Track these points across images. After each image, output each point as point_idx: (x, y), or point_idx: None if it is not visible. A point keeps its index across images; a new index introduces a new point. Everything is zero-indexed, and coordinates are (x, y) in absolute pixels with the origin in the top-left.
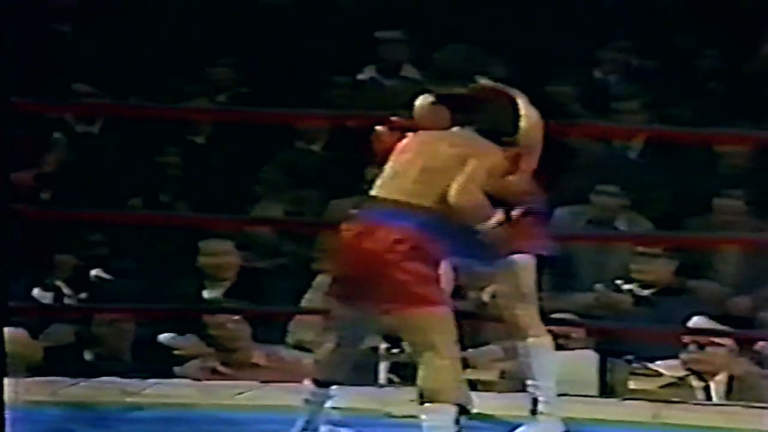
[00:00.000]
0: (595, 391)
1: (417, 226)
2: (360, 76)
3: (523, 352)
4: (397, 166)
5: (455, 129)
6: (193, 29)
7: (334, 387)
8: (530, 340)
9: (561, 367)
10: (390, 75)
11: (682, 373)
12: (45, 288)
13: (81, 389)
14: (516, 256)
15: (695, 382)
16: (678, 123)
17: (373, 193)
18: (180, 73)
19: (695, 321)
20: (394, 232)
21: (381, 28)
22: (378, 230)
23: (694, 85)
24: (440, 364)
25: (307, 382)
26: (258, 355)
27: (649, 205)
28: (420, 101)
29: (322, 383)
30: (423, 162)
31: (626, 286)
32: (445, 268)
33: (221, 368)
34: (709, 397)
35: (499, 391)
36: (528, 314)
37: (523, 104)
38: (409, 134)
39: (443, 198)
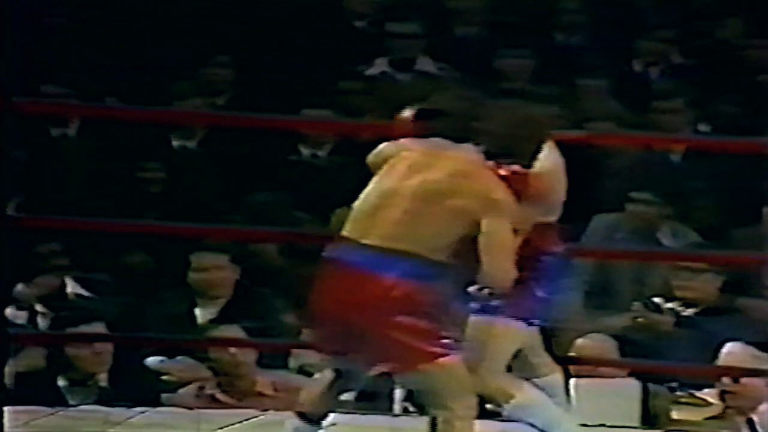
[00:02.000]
0: (636, 422)
1: (408, 275)
2: (370, 71)
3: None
4: (378, 198)
5: (450, 150)
6: (185, 22)
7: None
8: (540, 379)
9: (601, 397)
10: (403, 69)
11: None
12: (18, 307)
13: (59, 419)
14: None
15: (737, 417)
16: (725, 121)
17: (351, 229)
18: (171, 72)
19: (729, 348)
20: (383, 283)
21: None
22: (364, 279)
23: (741, 79)
24: (459, 426)
25: (291, 418)
26: (263, 382)
27: (693, 214)
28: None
29: (311, 419)
30: (409, 198)
31: (667, 305)
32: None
33: (221, 396)
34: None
35: None
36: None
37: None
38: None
39: (436, 244)
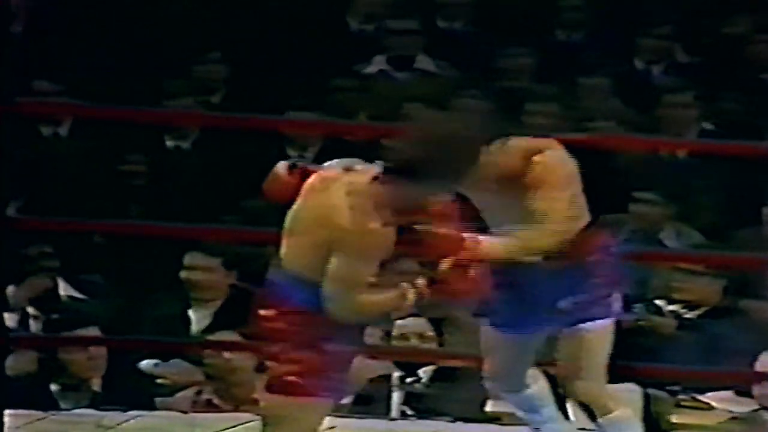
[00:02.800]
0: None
1: (305, 302)
2: (368, 69)
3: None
4: (288, 222)
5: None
6: (178, 19)
7: None
8: (602, 419)
9: None
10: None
11: (747, 408)
12: (8, 308)
13: (51, 423)
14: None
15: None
16: (729, 119)
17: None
18: (164, 70)
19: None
20: (281, 308)
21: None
22: (271, 302)
23: (745, 76)
24: None
25: None
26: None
27: (697, 214)
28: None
29: None
30: (300, 223)
31: (669, 308)
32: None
33: (218, 401)
34: None
35: None
36: (591, 390)
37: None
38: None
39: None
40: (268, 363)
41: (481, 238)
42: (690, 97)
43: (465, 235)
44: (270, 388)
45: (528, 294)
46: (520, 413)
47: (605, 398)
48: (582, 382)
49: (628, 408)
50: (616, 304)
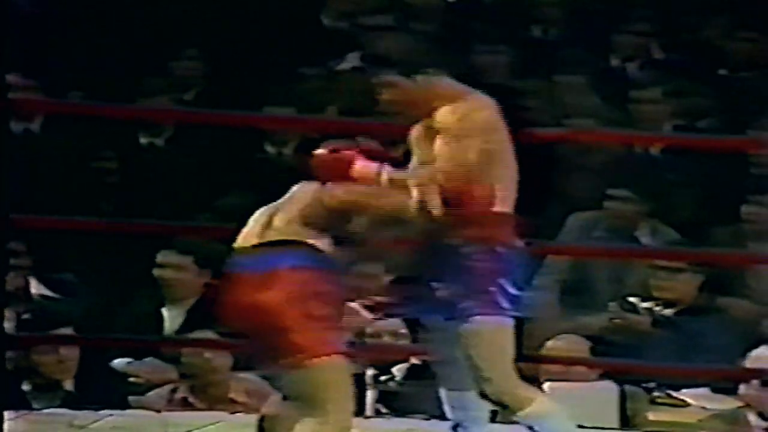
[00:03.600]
0: (614, 424)
1: (297, 264)
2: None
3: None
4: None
5: None
6: (153, 15)
7: None
8: (519, 416)
9: (578, 399)
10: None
11: (723, 405)
12: None
13: (23, 423)
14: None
15: (756, 420)
16: (704, 117)
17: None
18: (139, 66)
19: (761, 351)
20: (273, 275)
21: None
22: (255, 279)
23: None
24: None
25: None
26: (236, 387)
27: (672, 211)
28: None
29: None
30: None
31: (644, 305)
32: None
33: (193, 400)
34: None
35: None
36: (496, 389)
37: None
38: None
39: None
40: (282, 337)
41: (364, 163)
42: (663, 93)
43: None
44: (299, 359)
45: (423, 274)
46: (449, 411)
47: (515, 395)
48: (482, 380)
49: (545, 399)
50: (504, 301)
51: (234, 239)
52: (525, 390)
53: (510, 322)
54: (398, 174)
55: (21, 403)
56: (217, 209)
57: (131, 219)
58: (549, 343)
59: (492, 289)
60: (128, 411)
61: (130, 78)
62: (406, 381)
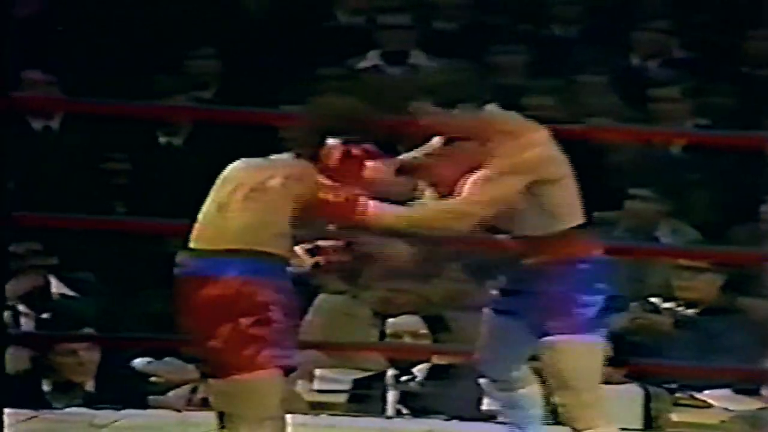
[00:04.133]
0: (639, 425)
1: (247, 273)
2: (362, 64)
3: None
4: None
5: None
6: (170, 14)
7: None
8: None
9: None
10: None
11: (750, 406)
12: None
13: (43, 422)
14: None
15: None
16: (724, 115)
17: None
18: (157, 65)
19: None
20: (219, 283)
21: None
22: (203, 283)
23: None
24: None
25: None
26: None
27: (692, 210)
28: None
29: None
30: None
31: (665, 305)
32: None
33: None
34: None
35: None
36: (573, 405)
37: None
38: None
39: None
40: (212, 346)
41: (374, 204)
42: (683, 92)
43: (361, 200)
44: (223, 371)
45: (513, 285)
46: (504, 412)
47: (586, 415)
48: (557, 394)
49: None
50: (585, 318)
51: None
52: (597, 414)
53: (594, 339)
54: (395, 214)
55: (41, 403)
56: None
57: (150, 217)
58: None
59: (573, 307)
60: (148, 411)
61: (146, 76)
62: (428, 381)
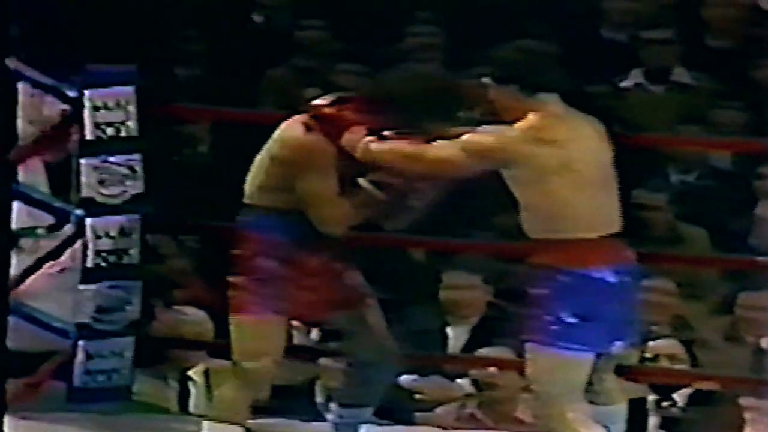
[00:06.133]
0: None
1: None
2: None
3: None
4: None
5: None
6: None
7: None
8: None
9: None
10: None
11: None
12: None
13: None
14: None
15: None
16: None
17: None
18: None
19: None
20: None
21: None
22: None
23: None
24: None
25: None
26: (524, 408)
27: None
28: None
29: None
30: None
31: None
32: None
33: (481, 416)
34: None
35: None
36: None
37: None
38: None
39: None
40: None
41: (371, 138)
42: None
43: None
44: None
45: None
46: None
47: (575, 422)
48: (553, 405)
49: None
50: (557, 331)
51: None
52: (582, 422)
53: (565, 354)
54: (392, 146)
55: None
56: (494, 227)
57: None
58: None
59: (547, 317)
60: (415, 427)
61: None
62: (689, 407)
